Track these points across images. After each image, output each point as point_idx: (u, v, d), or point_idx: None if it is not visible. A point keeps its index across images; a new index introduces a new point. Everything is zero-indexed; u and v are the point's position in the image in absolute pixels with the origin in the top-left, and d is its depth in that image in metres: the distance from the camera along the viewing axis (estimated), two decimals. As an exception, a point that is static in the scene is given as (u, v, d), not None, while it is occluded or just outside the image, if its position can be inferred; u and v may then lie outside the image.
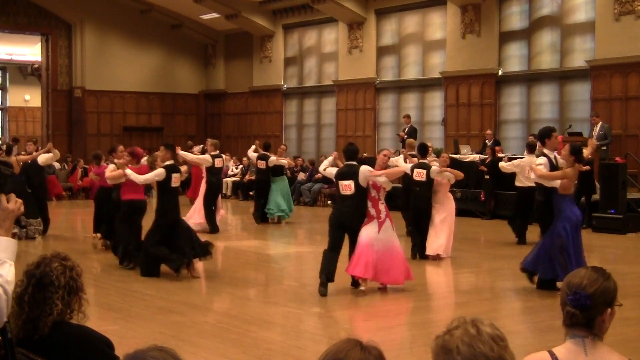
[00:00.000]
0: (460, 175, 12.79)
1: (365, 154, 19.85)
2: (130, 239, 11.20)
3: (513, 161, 14.67)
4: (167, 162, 10.78)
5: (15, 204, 2.80)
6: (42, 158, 14.63)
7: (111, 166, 11.73)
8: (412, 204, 12.57)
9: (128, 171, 10.73)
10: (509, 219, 15.04)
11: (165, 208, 10.55)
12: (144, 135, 28.89)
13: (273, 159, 17.50)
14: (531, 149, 13.88)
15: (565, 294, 2.87)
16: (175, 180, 10.66)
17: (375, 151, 22.97)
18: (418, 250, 12.16)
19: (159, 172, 10.55)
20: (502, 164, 14.75)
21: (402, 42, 23.47)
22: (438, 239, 12.14)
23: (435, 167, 12.39)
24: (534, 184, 13.66)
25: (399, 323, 8.17)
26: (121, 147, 12.81)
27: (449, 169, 12.77)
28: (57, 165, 24.66)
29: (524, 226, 14.27)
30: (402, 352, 6.67)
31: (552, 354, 2.82)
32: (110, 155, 12.46)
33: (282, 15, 26.76)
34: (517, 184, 14.37)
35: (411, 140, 15.42)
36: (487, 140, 19.27)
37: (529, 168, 9.25)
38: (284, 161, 18.01)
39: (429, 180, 12.17)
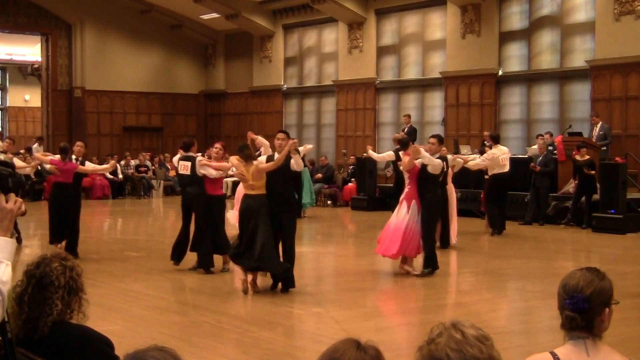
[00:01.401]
0: (466, 160, 14.60)
1: (365, 154, 19.82)
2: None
3: (484, 155, 15.41)
4: None
5: (14, 203, 2.78)
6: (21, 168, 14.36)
7: (201, 157, 10.90)
8: None
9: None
10: (487, 208, 15.72)
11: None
12: (144, 135, 28.90)
13: (301, 148, 18.53)
14: (496, 140, 15.65)
15: (563, 298, 2.83)
16: None
17: (375, 151, 22.96)
18: (443, 240, 13.23)
19: None
20: (472, 163, 15.18)
21: (402, 42, 23.47)
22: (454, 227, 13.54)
23: (449, 155, 13.31)
24: (506, 170, 15.07)
25: (399, 323, 8.17)
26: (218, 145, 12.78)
27: (457, 155, 14.61)
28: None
29: (503, 215, 15.39)
30: (402, 352, 6.66)
31: (554, 355, 2.81)
32: (204, 154, 12.45)
33: (282, 15, 26.76)
34: (491, 172, 15.30)
35: (396, 135, 17.15)
36: (485, 142, 19.29)
37: None
38: (304, 150, 19.33)
39: (446, 172, 12.95)
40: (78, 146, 12.45)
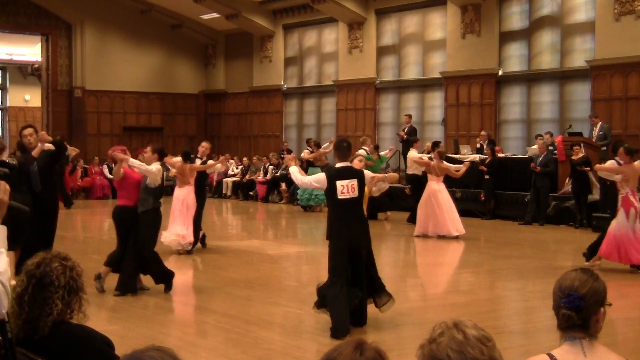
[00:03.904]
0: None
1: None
2: None
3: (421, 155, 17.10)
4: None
5: (3, 192, 2.74)
6: None
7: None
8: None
9: None
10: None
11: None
12: (144, 135, 28.88)
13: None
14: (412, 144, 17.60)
15: (559, 297, 2.87)
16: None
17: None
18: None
19: None
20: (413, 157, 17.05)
21: (402, 42, 23.47)
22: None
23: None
24: (419, 173, 16.37)
25: (399, 323, 8.15)
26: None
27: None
28: (57, 165, 24.67)
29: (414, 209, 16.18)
30: (402, 352, 6.66)
31: (551, 357, 2.82)
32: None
33: (282, 15, 26.76)
34: (408, 172, 17.27)
35: (365, 137, 19.47)
36: (482, 142, 19.32)
37: None
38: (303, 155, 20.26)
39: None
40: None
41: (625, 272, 10.97)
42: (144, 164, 9.63)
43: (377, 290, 7.74)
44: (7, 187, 2.78)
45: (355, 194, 7.44)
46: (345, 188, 7.42)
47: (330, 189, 7.45)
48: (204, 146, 13.30)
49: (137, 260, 9.30)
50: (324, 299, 7.48)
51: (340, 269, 7.37)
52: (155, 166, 9.65)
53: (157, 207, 9.61)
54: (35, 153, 9.51)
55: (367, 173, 7.85)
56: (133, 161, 9.75)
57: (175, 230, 12.36)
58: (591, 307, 2.83)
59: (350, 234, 7.42)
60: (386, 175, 8.66)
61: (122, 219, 9.44)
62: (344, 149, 7.69)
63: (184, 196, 12.48)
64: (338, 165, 7.58)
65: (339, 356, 2.05)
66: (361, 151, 19.16)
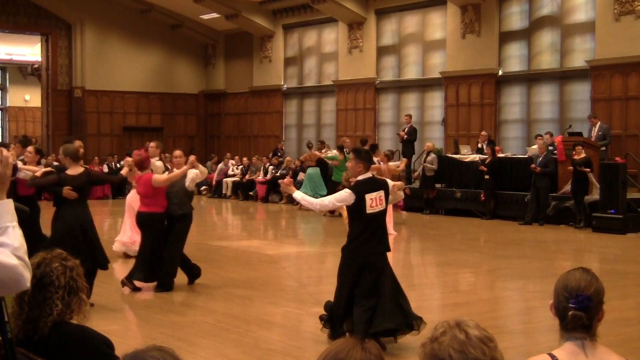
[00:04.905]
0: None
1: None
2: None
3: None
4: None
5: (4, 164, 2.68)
6: None
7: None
8: None
9: None
10: None
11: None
12: (144, 135, 28.87)
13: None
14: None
15: (565, 298, 2.85)
16: None
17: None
18: None
19: None
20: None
21: (402, 42, 23.47)
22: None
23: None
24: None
25: (399, 323, 8.16)
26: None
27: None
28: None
29: None
30: (403, 352, 6.67)
31: (552, 357, 2.82)
32: None
33: (282, 15, 26.76)
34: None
35: (344, 138, 20.06)
36: (482, 142, 19.33)
37: None
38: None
39: None
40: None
41: (626, 272, 10.99)
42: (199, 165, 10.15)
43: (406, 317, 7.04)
44: (10, 159, 2.73)
45: (383, 205, 6.92)
46: (374, 201, 6.84)
47: (358, 204, 6.81)
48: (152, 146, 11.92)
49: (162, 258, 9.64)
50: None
51: (344, 295, 7.00)
52: (201, 168, 10.10)
53: (192, 210, 10.08)
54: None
55: (389, 182, 7.37)
56: (200, 166, 10.14)
57: (128, 235, 12.09)
58: (596, 307, 2.83)
59: (366, 252, 6.88)
60: (401, 183, 8.58)
61: (154, 226, 9.60)
62: (370, 158, 7.22)
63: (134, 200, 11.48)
64: (362, 177, 6.94)
65: (348, 356, 2.04)
66: (334, 151, 20.02)
